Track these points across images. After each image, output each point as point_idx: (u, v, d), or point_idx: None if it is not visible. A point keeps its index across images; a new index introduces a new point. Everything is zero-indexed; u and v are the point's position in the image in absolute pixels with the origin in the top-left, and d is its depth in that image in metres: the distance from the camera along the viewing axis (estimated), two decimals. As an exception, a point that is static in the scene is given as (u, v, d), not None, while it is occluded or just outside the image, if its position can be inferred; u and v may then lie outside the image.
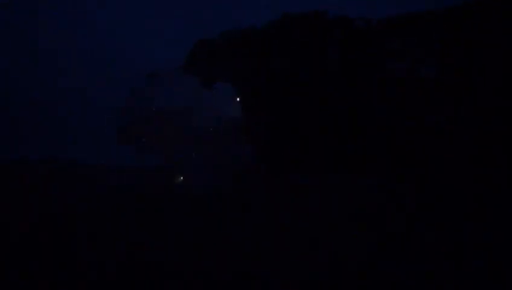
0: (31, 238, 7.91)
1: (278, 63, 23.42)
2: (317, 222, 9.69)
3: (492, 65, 20.82)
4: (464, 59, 21.71)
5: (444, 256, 7.02)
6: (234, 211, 11.11)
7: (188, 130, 20.22)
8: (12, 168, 19.34)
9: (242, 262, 6.75)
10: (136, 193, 13.97)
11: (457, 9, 22.17)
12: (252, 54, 23.50)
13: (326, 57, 23.71)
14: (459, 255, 7.10)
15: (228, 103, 21.44)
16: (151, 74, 22.22)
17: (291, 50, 23.71)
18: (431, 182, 19.00)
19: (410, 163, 20.73)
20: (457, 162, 20.18)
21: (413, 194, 14.67)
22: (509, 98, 20.25)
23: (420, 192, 15.23)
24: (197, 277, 6.13)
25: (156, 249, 7.33)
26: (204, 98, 21.21)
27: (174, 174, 18.59)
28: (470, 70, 21.60)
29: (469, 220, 10.07)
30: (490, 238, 8.29)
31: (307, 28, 24.06)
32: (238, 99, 21.74)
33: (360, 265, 6.73)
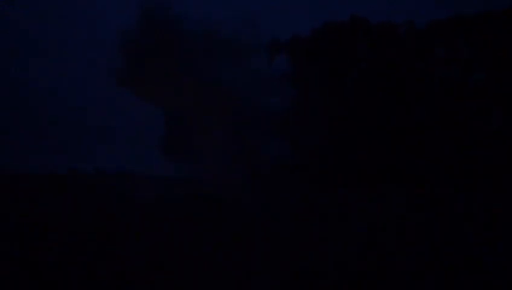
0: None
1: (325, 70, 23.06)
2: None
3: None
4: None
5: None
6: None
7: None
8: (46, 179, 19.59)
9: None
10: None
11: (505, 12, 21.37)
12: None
13: (369, 65, 23.22)
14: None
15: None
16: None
17: (335, 58, 23.33)
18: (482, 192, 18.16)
19: (463, 173, 19.93)
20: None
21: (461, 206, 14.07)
22: None
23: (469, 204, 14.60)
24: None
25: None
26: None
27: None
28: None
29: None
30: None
31: (348, 35, 23.66)
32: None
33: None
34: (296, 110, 21.68)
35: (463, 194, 16.40)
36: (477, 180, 19.33)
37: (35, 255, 7.37)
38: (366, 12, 25.17)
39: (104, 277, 6.25)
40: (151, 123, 21.24)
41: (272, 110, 20.14)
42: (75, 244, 8.15)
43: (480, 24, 21.93)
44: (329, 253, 7.49)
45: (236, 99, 19.12)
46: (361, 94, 22.47)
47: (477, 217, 10.97)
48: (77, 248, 7.91)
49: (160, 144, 21.21)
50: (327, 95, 22.72)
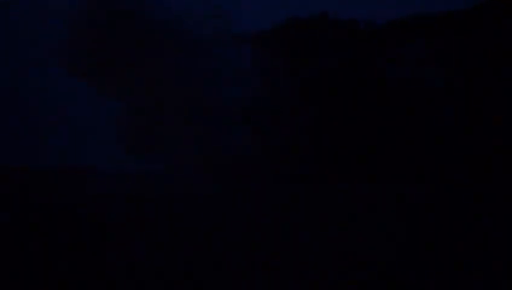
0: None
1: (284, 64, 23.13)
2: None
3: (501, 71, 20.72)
4: (472, 65, 21.57)
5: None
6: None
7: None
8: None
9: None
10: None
11: (466, 13, 22.05)
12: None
13: (327, 63, 23.51)
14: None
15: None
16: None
17: (296, 52, 23.48)
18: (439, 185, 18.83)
19: (414, 170, 20.56)
20: (465, 168, 20.04)
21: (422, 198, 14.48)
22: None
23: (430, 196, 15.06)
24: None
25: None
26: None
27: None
28: (479, 77, 21.47)
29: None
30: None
31: (309, 31, 23.85)
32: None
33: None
34: (259, 102, 21.74)
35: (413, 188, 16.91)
36: (428, 175, 20.03)
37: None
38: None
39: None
40: (108, 115, 20.66)
41: (235, 101, 19.96)
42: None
43: (438, 24, 22.57)
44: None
45: (197, 90, 18.83)
46: (321, 90, 22.76)
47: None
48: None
49: (119, 138, 20.75)
50: (289, 89, 22.90)
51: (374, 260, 6.94)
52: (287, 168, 20.50)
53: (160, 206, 12.12)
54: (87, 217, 10.58)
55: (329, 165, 20.96)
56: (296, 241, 8.21)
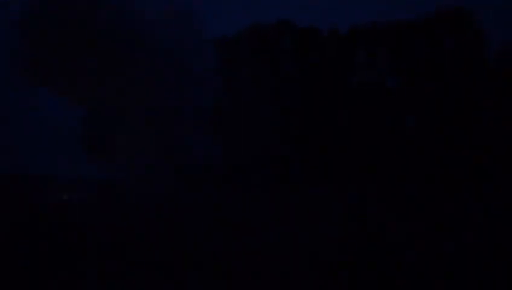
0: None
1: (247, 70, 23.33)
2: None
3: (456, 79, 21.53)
4: (428, 70, 22.29)
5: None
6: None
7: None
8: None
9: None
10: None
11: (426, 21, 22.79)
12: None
13: (292, 68, 23.83)
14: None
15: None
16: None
17: (258, 60, 23.69)
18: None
19: (381, 170, 20.99)
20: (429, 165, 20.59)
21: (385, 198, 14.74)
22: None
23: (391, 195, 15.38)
24: None
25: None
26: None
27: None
28: (435, 81, 22.19)
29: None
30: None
31: (274, 37, 24.13)
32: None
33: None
34: (225, 108, 21.73)
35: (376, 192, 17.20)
36: (391, 179, 20.46)
37: None
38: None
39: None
40: (66, 120, 20.23)
41: (200, 106, 19.71)
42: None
43: (399, 32, 23.23)
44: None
45: (162, 94, 18.52)
46: (285, 96, 23.02)
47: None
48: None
49: (79, 143, 20.40)
50: (254, 95, 23.06)
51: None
52: (248, 172, 20.64)
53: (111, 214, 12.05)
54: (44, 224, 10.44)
55: (289, 168, 21.24)
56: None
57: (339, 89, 22.72)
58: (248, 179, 20.62)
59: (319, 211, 12.27)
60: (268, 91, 22.57)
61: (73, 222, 10.84)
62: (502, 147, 20.31)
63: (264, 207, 13.19)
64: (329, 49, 23.43)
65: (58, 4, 16.85)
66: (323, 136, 22.36)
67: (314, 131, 22.38)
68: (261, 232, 9.37)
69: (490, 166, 19.76)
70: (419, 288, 5.96)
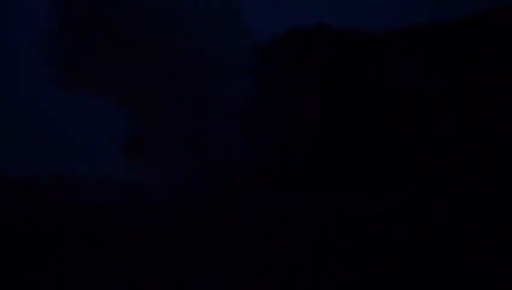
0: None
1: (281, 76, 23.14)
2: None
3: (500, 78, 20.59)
4: (472, 73, 21.48)
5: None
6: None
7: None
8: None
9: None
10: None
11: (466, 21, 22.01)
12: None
13: (331, 72, 23.50)
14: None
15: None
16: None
17: (292, 65, 23.51)
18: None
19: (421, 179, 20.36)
20: (470, 176, 19.81)
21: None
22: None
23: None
24: None
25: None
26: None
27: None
28: (478, 86, 21.37)
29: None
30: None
31: (309, 42, 23.90)
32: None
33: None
34: (259, 107, 21.52)
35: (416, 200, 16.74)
36: (429, 187, 19.81)
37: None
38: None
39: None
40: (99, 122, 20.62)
41: (233, 105, 19.52)
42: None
43: (438, 34, 22.53)
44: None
45: (193, 91, 18.45)
46: (322, 100, 22.72)
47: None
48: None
49: (118, 145, 20.72)
50: (291, 98, 22.88)
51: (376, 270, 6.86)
52: (283, 175, 20.33)
53: (151, 216, 12.09)
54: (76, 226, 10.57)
55: (326, 173, 20.82)
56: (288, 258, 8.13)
57: (376, 93, 22.23)
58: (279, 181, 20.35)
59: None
60: (304, 94, 22.34)
61: (115, 223, 10.95)
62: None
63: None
64: (367, 51, 22.99)
65: (96, 5, 17.20)
66: (360, 141, 21.93)
67: (351, 135, 21.98)
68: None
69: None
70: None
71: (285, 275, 6.59)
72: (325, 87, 22.67)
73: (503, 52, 21.08)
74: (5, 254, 8.09)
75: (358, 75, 22.63)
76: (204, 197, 16.30)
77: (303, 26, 24.65)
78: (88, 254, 7.77)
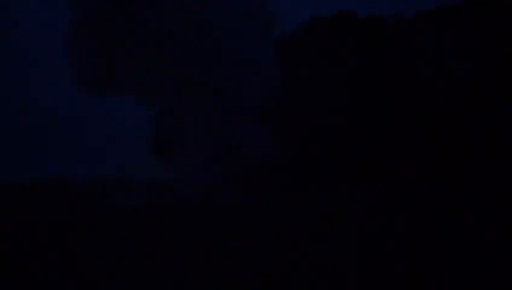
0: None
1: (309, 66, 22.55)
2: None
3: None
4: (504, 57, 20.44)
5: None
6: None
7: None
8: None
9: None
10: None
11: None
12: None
13: (356, 60, 22.78)
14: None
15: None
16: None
17: (319, 54, 22.88)
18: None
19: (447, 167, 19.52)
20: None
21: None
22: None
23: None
24: None
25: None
26: None
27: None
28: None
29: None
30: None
31: (336, 30, 23.23)
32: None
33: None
34: (285, 99, 20.92)
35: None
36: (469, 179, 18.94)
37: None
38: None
39: None
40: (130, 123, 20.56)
41: (255, 101, 19.00)
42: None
43: (469, 13, 21.53)
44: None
45: (224, 87, 18.09)
46: (351, 89, 22.06)
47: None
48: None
49: (147, 145, 20.63)
50: (317, 89, 22.32)
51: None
52: (309, 172, 19.71)
53: (180, 215, 11.90)
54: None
55: (353, 169, 20.05)
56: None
57: (406, 79, 21.41)
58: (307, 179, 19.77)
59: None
60: (333, 84, 21.72)
61: (145, 225, 10.81)
62: None
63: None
64: (397, 37, 22.17)
65: (119, 4, 16.98)
66: (391, 130, 21.18)
67: (382, 125, 21.24)
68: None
69: None
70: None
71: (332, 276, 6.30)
72: (353, 75, 21.98)
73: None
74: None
75: (387, 61, 21.84)
76: (242, 197, 16.04)
77: (326, 15, 24.05)
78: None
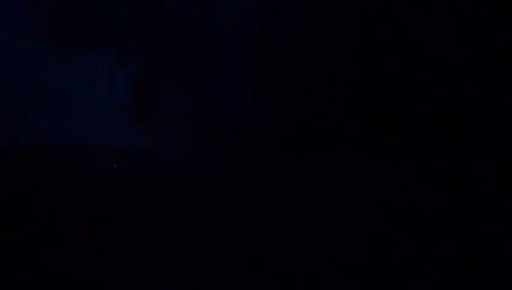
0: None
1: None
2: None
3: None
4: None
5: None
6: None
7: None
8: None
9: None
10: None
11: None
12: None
13: (343, 27, 22.24)
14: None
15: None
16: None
17: (308, 23, 22.26)
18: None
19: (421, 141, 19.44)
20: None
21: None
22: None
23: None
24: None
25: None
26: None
27: None
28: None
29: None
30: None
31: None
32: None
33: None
34: (269, 61, 20.22)
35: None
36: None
37: None
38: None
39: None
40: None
41: (237, 51, 18.38)
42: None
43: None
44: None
45: (200, 46, 17.53)
46: (344, 55, 21.58)
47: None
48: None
49: (121, 110, 20.04)
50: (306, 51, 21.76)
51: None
52: (294, 134, 19.21)
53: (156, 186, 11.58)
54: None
55: (345, 134, 19.76)
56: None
57: (391, 52, 21.07)
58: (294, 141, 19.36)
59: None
60: (326, 51, 21.15)
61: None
62: None
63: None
64: (381, 7, 21.68)
65: None
66: (373, 100, 20.92)
67: (364, 93, 20.94)
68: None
69: None
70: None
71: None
72: (347, 41, 21.40)
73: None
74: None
75: (373, 31, 21.39)
76: (215, 167, 15.71)
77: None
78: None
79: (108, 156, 17.28)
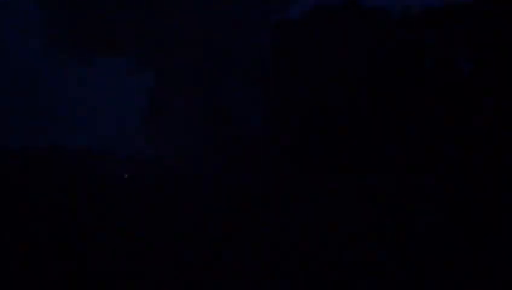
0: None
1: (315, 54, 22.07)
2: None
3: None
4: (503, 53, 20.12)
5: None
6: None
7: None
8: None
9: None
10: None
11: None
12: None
13: (364, 51, 22.33)
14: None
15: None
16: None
17: (325, 42, 22.41)
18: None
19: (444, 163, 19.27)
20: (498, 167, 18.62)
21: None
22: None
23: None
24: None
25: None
26: None
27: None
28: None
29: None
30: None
31: (342, 19, 22.76)
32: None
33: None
34: (277, 76, 20.11)
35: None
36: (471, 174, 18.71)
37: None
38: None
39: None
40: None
41: (250, 61, 18.30)
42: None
43: (479, 12, 21.16)
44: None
45: (219, 50, 17.45)
46: (352, 80, 21.67)
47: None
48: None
49: (138, 116, 20.10)
50: (315, 71, 21.85)
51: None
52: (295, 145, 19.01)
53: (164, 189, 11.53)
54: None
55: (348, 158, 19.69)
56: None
57: (411, 74, 21.06)
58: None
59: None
60: (334, 73, 21.29)
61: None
62: None
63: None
64: (401, 30, 21.77)
65: None
66: (391, 122, 20.87)
67: (381, 116, 20.91)
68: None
69: None
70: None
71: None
72: (357, 65, 21.57)
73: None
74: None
75: (393, 54, 21.44)
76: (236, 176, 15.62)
77: (331, 3, 23.58)
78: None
79: (121, 163, 17.30)
